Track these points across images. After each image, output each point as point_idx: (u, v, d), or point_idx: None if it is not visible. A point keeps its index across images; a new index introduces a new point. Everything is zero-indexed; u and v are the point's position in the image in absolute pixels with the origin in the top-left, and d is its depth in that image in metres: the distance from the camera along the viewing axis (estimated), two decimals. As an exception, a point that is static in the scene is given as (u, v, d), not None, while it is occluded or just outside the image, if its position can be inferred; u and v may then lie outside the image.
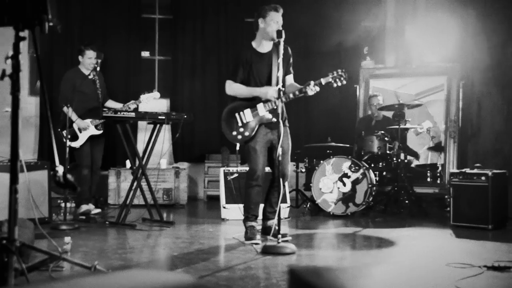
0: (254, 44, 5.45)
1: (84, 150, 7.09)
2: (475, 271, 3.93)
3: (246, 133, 5.30)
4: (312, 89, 5.12)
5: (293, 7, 9.08)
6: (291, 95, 5.23)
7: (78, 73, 7.17)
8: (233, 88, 5.39)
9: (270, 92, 5.22)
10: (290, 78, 5.54)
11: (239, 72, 5.38)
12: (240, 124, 5.33)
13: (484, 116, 8.01)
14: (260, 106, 5.29)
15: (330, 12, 9.10)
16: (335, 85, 5.23)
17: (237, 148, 5.52)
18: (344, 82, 5.23)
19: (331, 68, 9.11)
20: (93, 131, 7.08)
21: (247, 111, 5.32)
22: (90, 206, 7.14)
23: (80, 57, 7.20)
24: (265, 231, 5.45)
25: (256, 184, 5.32)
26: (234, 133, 5.33)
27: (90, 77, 6.98)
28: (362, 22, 9.50)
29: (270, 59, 5.33)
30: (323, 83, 5.20)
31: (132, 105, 6.90)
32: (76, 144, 7.02)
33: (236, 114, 5.35)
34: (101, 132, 7.14)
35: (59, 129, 6.98)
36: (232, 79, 5.40)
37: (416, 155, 8.51)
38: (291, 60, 5.52)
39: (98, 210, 7.18)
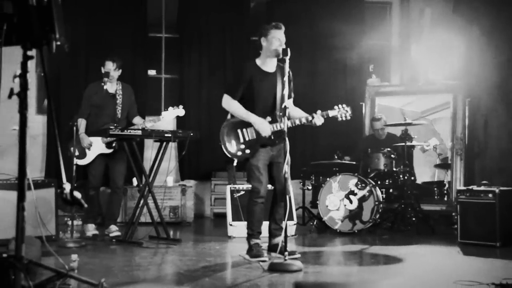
0: (258, 62, 5.43)
1: (93, 170, 6.80)
2: (483, 289, 3.92)
3: (247, 151, 5.28)
4: (320, 118, 5.20)
5: (298, 24, 9.14)
6: (297, 121, 5.24)
7: (98, 86, 6.75)
8: (231, 104, 5.36)
9: (265, 129, 5.22)
10: (290, 102, 5.49)
11: (239, 90, 5.36)
12: (242, 140, 5.30)
13: (490, 133, 8.00)
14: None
15: (336, 30, 9.14)
16: (339, 119, 5.37)
17: (235, 164, 5.51)
18: (349, 117, 5.38)
19: (337, 86, 9.17)
20: (101, 149, 6.75)
21: (251, 130, 5.29)
22: (112, 228, 6.75)
23: (102, 69, 6.87)
24: (272, 248, 5.42)
25: (261, 202, 5.30)
26: (234, 149, 5.31)
27: (110, 91, 6.82)
28: (367, 40, 9.54)
29: (274, 78, 5.31)
30: (330, 115, 5.31)
31: (148, 123, 6.62)
32: (83, 162, 6.75)
33: (239, 130, 5.32)
34: (111, 150, 6.75)
35: (71, 147, 6.55)
36: (230, 95, 5.37)
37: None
38: (291, 85, 5.48)
39: (118, 233, 6.68)
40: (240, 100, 5.37)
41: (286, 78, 4.90)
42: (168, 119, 6.78)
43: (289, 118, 5.25)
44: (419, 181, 8.44)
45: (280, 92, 5.20)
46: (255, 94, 5.31)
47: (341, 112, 5.32)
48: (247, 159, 5.31)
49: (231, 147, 5.31)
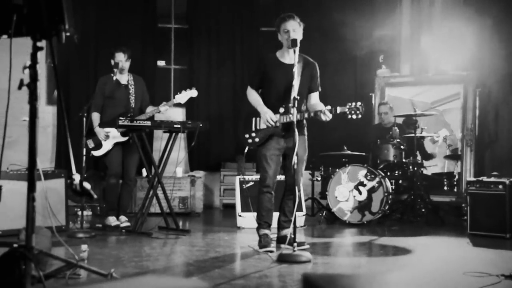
0: (278, 53, 5.41)
1: (111, 158, 6.79)
2: (493, 280, 3.90)
3: (256, 139, 5.33)
4: (326, 115, 5.09)
5: (308, 16, 9.09)
6: (305, 115, 5.20)
7: (108, 78, 6.83)
8: (249, 95, 5.44)
9: (267, 116, 5.21)
10: (314, 96, 5.44)
11: (256, 80, 5.41)
12: (253, 129, 5.35)
13: (501, 124, 7.95)
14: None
15: (345, 20, 9.10)
16: (349, 116, 5.13)
17: (245, 151, 5.49)
18: (360, 116, 5.12)
19: (347, 77, 9.13)
20: (117, 138, 6.75)
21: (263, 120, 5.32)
22: (122, 219, 6.80)
23: (112, 61, 6.84)
24: (280, 240, 5.43)
25: (267, 191, 5.31)
26: (246, 136, 5.37)
27: (123, 82, 6.82)
28: (377, 30, 9.48)
29: (292, 70, 5.22)
30: (338, 111, 5.11)
31: (162, 107, 6.61)
32: (99, 152, 6.75)
33: (253, 119, 5.37)
34: (126, 138, 6.72)
35: (86, 140, 6.56)
36: (250, 85, 5.46)
37: (431, 156, 8.47)
38: (316, 78, 5.43)
39: (128, 224, 6.70)
40: (261, 89, 5.42)
41: (295, 69, 4.89)
42: (181, 101, 6.70)
43: (306, 110, 5.27)
44: (429, 172, 8.41)
45: (296, 84, 5.11)
46: (269, 85, 5.32)
47: (351, 109, 5.10)
48: (258, 147, 5.33)
49: (244, 134, 5.38)
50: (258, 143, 5.33)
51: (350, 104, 5.13)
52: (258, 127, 5.34)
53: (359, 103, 5.13)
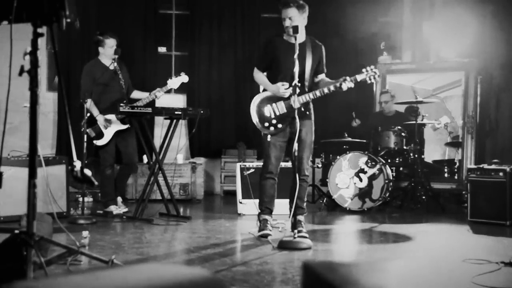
0: (284, 36, 5.33)
1: (108, 149, 6.75)
2: (492, 267, 3.91)
3: (279, 125, 5.21)
4: (348, 83, 5.09)
5: (309, 2, 9.04)
6: (325, 90, 5.14)
7: (98, 65, 6.77)
8: (256, 77, 5.41)
9: (280, 91, 5.15)
10: (321, 78, 5.45)
11: (263, 61, 5.37)
12: (273, 115, 5.21)
13: (502, 111, 7.94)
14: (294, 98, 5.12)
15: (347, 7, 9.06)
16: (368, 81, 5.17)
17: (269, 139, 5.31)
18: (378, 79, 5.23)
19: (348, 64, 9.10)
20: (118, 126, 6.72)
21: (281, 103, 5.21)
22: (120, 206, 6.84)
23: (100, 48, 6.79)
24: (295, 226, 5.36)
25: (270, 177, 5.29)
26: (267, 124, 5.22)
27: (111, 68, 6.67)
28: (379, 17, 9.44)
29: (303, 49, 5.15)
30: (358, 80, 5.11)
31: (158, 93, 6.61)
32: (102, 142, 6.68)
33: (269, 105, 5.23)
34: (127, 126, 6.74)
35: (82, 128, 6.37)
36: (256, 67, 5.41)
37: None
38: (323, 59, 5.42)
39: (126, 209, 6.75)
40: (267, 71, 5.38)
41: (296, 56, 4.84)
42: (174, 86, 6.72)
43: (317, 88, 5.27)
44: (429, 159, 8.41)
45: (309, 64, 5.19)
46: (278, 66, 5.25)
47: (369, 74, 5.13)
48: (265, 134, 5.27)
49: (263, 122, 5.23)
50: (282, 129, 5.22)
51: (365, 70, 5.16)
52: (277, 113, 5.22)
53: (373, 67, 5.18)
